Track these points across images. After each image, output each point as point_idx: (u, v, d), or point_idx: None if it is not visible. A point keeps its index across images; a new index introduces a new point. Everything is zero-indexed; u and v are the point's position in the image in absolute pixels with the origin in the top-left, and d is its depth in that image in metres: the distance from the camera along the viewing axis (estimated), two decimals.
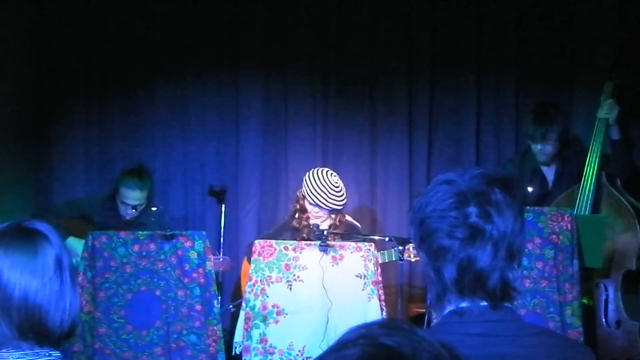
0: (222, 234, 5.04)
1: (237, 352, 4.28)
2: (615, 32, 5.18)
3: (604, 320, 4.46)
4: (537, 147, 4.91)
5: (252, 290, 4.24)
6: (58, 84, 5.90)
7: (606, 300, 4.48)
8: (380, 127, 5.99)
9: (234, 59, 5.97)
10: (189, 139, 5.99)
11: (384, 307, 4.29)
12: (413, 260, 4.72)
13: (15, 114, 5.58)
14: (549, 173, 5.00)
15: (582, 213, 4.52)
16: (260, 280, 4.24)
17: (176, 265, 4.28)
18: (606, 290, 4.48)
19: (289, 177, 5.91)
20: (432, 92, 5.96)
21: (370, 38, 5.93)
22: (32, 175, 5.89)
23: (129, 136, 5.97)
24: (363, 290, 4.26)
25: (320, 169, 5.00)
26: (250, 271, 4.30)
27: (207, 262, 4.30)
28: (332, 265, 4.28)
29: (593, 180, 4.59)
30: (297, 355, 4.20)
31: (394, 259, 4.70)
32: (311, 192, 4.87)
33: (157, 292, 4.26)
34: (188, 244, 4.30)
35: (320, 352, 4.02)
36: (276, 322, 4.21)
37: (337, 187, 4.89)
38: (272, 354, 4.20)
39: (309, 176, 4.93)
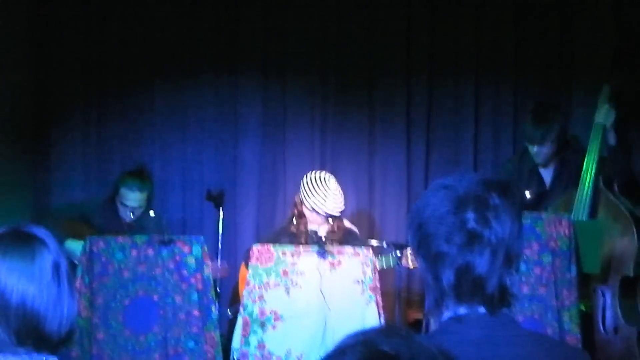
0: (220, 239, 5.03)
1: (235, 358, 4.27)
2: (612, 34, 5.20)
3: (601, 326, 4.46)
4: (534, 149, 4.91)
5: (249, 296, 4.24)
6: (56, 85, 5.90)
7: (604, 306, 4.47)
8: (378, 130, 5.99)
9: (233, 62, 5.98)
10: (187, 142, 5.99)
11: (382, 313, 4.29)
12: (411, 266, 4.72)
13: (14, 115, 5.58)
14: (547, 173, 5.00)
15: (580, 218, 4.52)
16: (258, 286, 4.24)
17: (174, 271, 4.28)
18: (604, 296, 4.48)
19: (287, 182, 5.91)
20: (430, 94, 5.97)
21: (369, 41, 5.94)
22: (30, 177, 5.88)
23: (128, 138, 5.97)
24: (361, 296, 4.26)
25: (318, 173, 4.97)
26: (248, 276, 4.29)
27: (204, 268, 4.30)
28: (330, 271, 4.28)
29: (590, 186, 4.59)
30: None
31: (392, 265, 4.70)
32: (309, 197, 4.86)
33: (155, 298, 4.26)
34: (186, 249, 4.30)
35: (318, 358, 4.03)
36: (274, 327, 4.21)
37: (335, 192, 4.89)
38: (269, 359, 4.19)
39: (306, 181, 4.91)
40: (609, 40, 5.23)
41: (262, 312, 4.21)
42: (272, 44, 5.96)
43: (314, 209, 4.86)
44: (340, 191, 4.93)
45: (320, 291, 4.22)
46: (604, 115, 4.67)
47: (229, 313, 4.95)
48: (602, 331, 4.45)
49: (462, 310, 1.70)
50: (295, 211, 5.01)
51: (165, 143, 5.98)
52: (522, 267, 3.97)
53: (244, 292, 4.32)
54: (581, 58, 5.72)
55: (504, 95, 5.94)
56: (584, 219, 4.53)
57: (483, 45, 5.92)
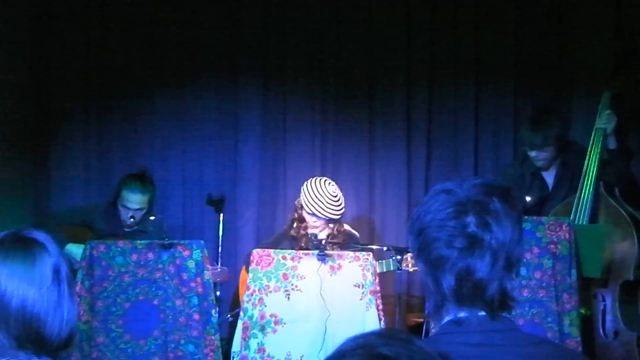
0: (220, 243, 5.03)
1: None
2: (613, 38, 5.20)
3: (601, 330, 4.45)
4: (533, 154, 4.92)
5: (250, 300, 4.23)
6: (57, 91, 5.91)
7: (604, 311, 4.47)
8: (378, 134, 6.00)
9: (233, 67, 5.98)
10: (187, 146, 5.99)
11: (382, 317, 4.29)
12: (411, 270, 4.72)
13: (15, 119, 5.58)
14: (549, 176, 5.01)
15: (581, 223, 4.52)
16: (258, 290, 4.24)
17: (174, 275, 4.28)
18: (604, 300, 4.47)
19: (288, 187, 5.91)
20: (430, 99, 5.97)
21: (369, 44, 5.94)
22: (31, 181, 5.89)
23: (128, 142, 5.98)
24: (361, 299, 4.25)
25: (318, 179, 5.00)
26: (248, 280, 4.29)
27: (205, 272, 4.30)
28: (330, 275, 4.28)
29: (591, 190, 4.59)
30: None
31: (392, 269, 4.70)
32: (308, 201, 4.87)
33: (155, 302, 4.26)
34: (186, 253, 4.30)
35: None
36: (274, 331, 4.21)
37: (335, 196, 4.89)
38: None
39: (306, 186, 4.94)
40: (609, 43, 5.23)
41: (262, 316, 4.21)
42: (272, 48, 5.96)
43: (313, 213, 4.86)
44: (341, 195, 4.93)
45: (321, 295, 4.22)
46: (605, 121, 4.68)
47: (229, 317, 4.94)
48: (602, 335, 4.45)
49: (463, 314, 1.70)
50: (296, 215, 5.02)
51: (166, 147, 5.98)
52: (523, 271, 3.97)
53: (244, 296, 4.32)
54: (581, 60, 5.73)
55: (504, 97, 5.94)
56: (585, 224, 4.53)
57: (483, 48, 5.92)
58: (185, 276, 4.28)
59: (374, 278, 4.29)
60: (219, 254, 4.99)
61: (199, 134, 5.98)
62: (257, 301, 4.22)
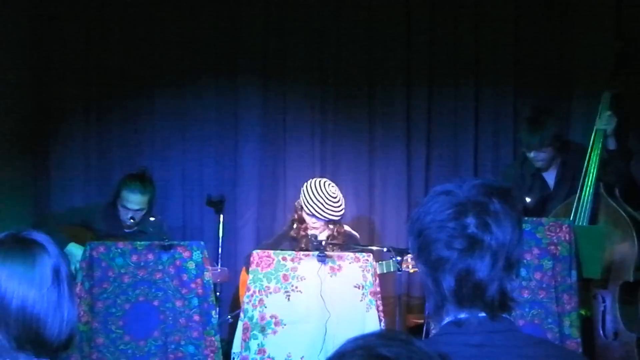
0: (220, 244, 5.03)
1: None
2: (613, 38, 5.20)
3: (601, 331, 4.46)
4: (531, 155, 4.93)
5: (250, 301, 4.23)
6: (57, 91, 5.91)
7: (604, 311, 4.47)
8: (378, 134, 5.99)
9: (233, 67, 5.98)
10: (187, 146, 5.99)
11: (382, 318, 4.29)
12: (411, 271, 4.71)
13: (14, 120, 5.58)
14: (549, 176, 5.02)
15: (580, 224, 4.52)
16: (259, 291, 4.24)
17: (174, 276, 4.28)
18: (604, 301, 4.48)
19: (287, 187, 5.91)
20: (430, 99, 5.97)
21: (368, 44, 5.94)
22: (31, 182, 5.89)
23: (128, 143, 5.98)
24: (361, 300, 4.25)
25: (318, 180, 5.00)
26: (248, 281, 4.29)
27: (205, 273, 4.30)
28: (331, 276, 4.28)
29: (591, 191, 4.60)
30: None
31: (392, 270, 4.70)
32: (308, 202, 4.88)
33: (155, 303, 4.26)
34: (186, 254, 4.30)
35: None
36: (274, 332, 4.21)
37: (334, 197, 4.89)
38: None
39: (306, 187, 4.94)
40: (609, 43, 5.24)
41: (262, 317, 4.21)
42: (272, 48, 5.96)
43: (313, 214, 4.87)
44: (340, 196, 4.94)
45: (321, 296, 4.22)
46: (605, 121, 4.68)
47: (230, 318, 4.94)
48: (602, 336, 4.45)
49: (463, 315, 1.70)
50: (296, 216, 5.02)
51: (166, 147, 5.98)
52: (523, 272, 3.98)
53: (244, 297, 4.32)
54: (581, 60, 5.72)
55: (504, 97, 5.94)
56: (585, 224, 4.53)
57: (483, 48, 5.92)
58: (185, 277, 4.28)
59: (374, 279, 4.29)
60: (219, 255, 4.99)
61: (198, 134, 5.98)
62: (257, 302, 4.22)
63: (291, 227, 5.06)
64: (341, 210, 4.91)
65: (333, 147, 6.00)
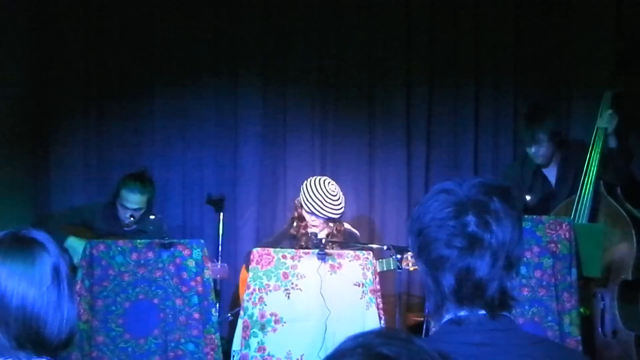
0: (220, 243, 5.04)
1: None
2: (613, 38, 5.21)
3: (600, 329, 4.46)
4: (531, 150, 4.94)
5: (250, 299, 4.23)
6: (56, 91, 5.91)
7: (603, 310, 4.47)
8: (378, 133, 5.99)
9: (233, 66, 5.98)
10: (187, 146, 5.99)
11: (382, 316, 4.29)
12: (411, 269, 4.72)
13: (14, 119, 5.58)
14: (550, 173, 5.02)
15: (580, 222, 4.52)
16: (259, 289, 4.24)
17: (174, 274, 4.28)
18: (603, 299, 4.48)
19: (287, 186, 5.91)
20: (430, 98, 5.97)
21: (368, 44, 5.94)
22: (30, 182, 5.89)
23: (128, 142, 5.98)
24: (361, 298, 4.25)
25: (318, 178, 5.00)
26: (248, 279, 4.29)
27: (205, 271, 4.30)
28: (331, 274, 4.28)
29: (591, 189, 4.60)
30: None
31: (392, 268, 4.70)
32: (308, 200, 4.87)
33: (155, 301, 4.26)
34: (186, 252, 4.30)
35: None
36: (274, 330, 4.21)
37: (334, 195, 4.89)
38: None
39: (306, 185, 4.94)
40: (609, 42, 5.24)
41: (262, 315, 4.21)
42: (272, 48, 5.96)
43: (312, 212, 4.87)
44: (340, 194, 4.93)
45: (321, 294, 4.22)
46: (606, 120, 4.68)
47: (230, 316, 4.95)
48: (601, 334, 4.45)
49: (463, 313, 1.70)
50: (296, 214, 5.02)
51: (166, 147, 5.98)
52: (523, 270, 3.98)
53: (244, 295, 4.32)
54: (581, 60, 5.72)
55: (504, 98, 5.94)
56: (585, 223, 4.53)
57: (483, 48, 5.92)
58: (185, 275, 4.28)
59: (374, 277, 4.29)
60: (219, 253, 5.00)
61: (198, 134, 5.98)
62: (257, 300, 4.22)
63: (291, 225, 5.06)
64: (341, 208, 4.91)
65: (333, 147, 6.00)
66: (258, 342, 4.19)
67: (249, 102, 5.97)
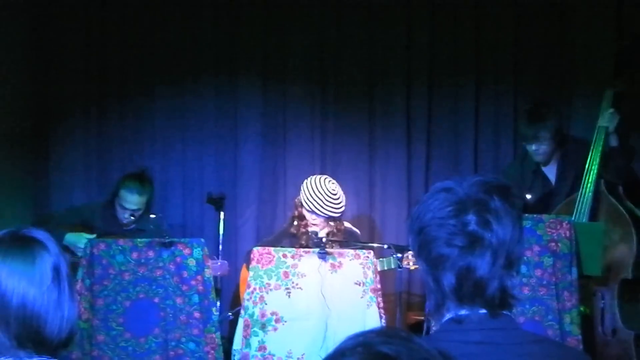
0: (220, 242, 5.04)
1: None
2: (613, 35, 5.20)
3: (600, 328, 4.46)
4: (531, 148, 4.93)
5: (250, 298, 4.23)
6: (56, 90, 5.91)
7: (603, 309, 4.47)
8: (378, 132, 5.99)
9: (233, 65, 5.98)
10: (187, 146, 5.99)
11: (382, 315, 4.29)
12: (412, 268, 4.72)
13: (14, 119, 5.58)
14: (550, 171, 5.02)
15: (581, 220, 4.52)
16: (259, 288, 4.24)
17: (175, 273, 4.28)
18: (603, 298, 4.48)
19: (288, 185, 5.91)
20: (430, 98, 5.97)
21: (369, 43, 5.94)
22: (30, 182, 5.88)
23: (128, 141, 5.98)
24: (362, 297, 4.25)
25: (318, 176, 5.00)
26: (248, 279, 4.29)
27: (205, 270, 4.30)
28: (331, 273, 4.28)
29: (591, 188, 4.60)
30: None
31: (392, 267, 4.70)
32: (308, 199, 4.87)
33: (156, 300, 4.26)
34: (186, 251, 4.30)
35: (319, 359, 4.03)
36: (275, 329, 4.21)
37: (334, 194, 4.89)
38: None
39: (306, 183, 4.94)
40: (609, 41, 5.23)
41: (262, 314, 4.21)
42: (272, 47, 5.96)
43: (312, 210, 4.87)
44: (341, 193, 4.93)
45: (321, 293, 4.22)
46: (607, 119, 4.68)
47: (230, 315, 4.95)
48: (601, 333, 4.45)
49: (463, 312, 1.70)
50: (296, 213, 5.02)
51: (166, 146, 5.98)
52: (523, 269, 3.97)
53: (244, 294, 4.32)
54: (581, 59, 5.72)
55: (504, 96, 5.94)
56: (585, 221, 4.53)
57: (483, 47, 5.92)
58: (185, 274, 4.28)
59: (374, 276, 4.29)
60: (220, 252, 5.00)
61: (199, 133, 5.98)
62: (257, 299, 4.22)
63: (291, 224, 5.06)
64: (341, 207, 4.91)
65: (333, 146, 6.00)
66: (259, 341, 4.19)
67: (249, 101, 5.97)
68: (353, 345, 1.13)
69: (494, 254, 1.66)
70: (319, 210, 4.85)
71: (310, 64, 5.96)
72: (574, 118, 5.72)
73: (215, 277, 4.49)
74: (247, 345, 4.19)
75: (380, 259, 4.74)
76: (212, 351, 4.27)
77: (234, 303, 5.29)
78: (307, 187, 4.91)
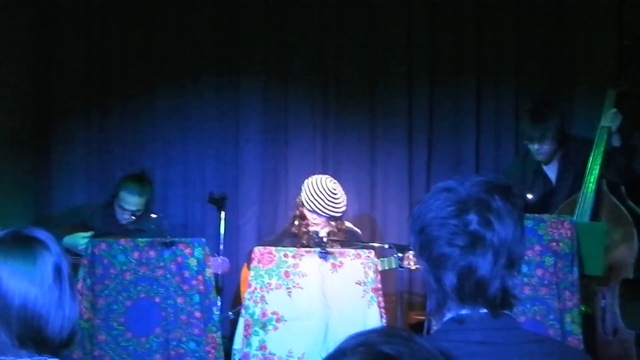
0: (222, 241, 5.04)
1: (237, 359, 4.27)
2: (613, 35, 5.20)
3: (601, 328, 4.46)
4: (534, 147, 4.93)
5: (251, 297, 4.23)
6: (57, 90, 5.91)
7: (604, 308, 4.47)
8: (379, 132, 5.99)
9: (234, 65, 5.99)
10: (189, 145, 6.00)
11: (383, 315, 4.28)
12: (413, 267, 4.71)
13: (15, 119, 5.59)
14: (551, 171, 5.02)
15: (582, 220, 4.52)
16: (260, 287, 4.24)
17: (176, 273, 4.28)
18: (604, 298, 4.48)
19: (289, 185, 5.91)
20: (431, 97, 5.97)
21: (370, 43, 5.94)
22: (31, 182, 5.89)
23: (129, 141, 5.99)
24: (363, 297, 4.25)
25: (319, 176, 5.00)
26: (249, 278, 4.29)
27: (206, 269, 4.30)
28: (332, 272, 4.27)
29: (593, 188, 4.59)
30: None
31: (393, 267, 4.70)
32: (309, 198, 4.87)
33: (157, 299, 4.26)
34: (188, 251, 4.30)
35: (320, 359, 4.03)
36: (275, 329, 4.21)
37: (335, 193, 4.89)
38: None
39: (307, 183, 4.94)
40: (610, 40, 5.23)
41: (263, 314, 4.21)
42: (273, 47, 5.96)
43: (314, 210, 4.87)
44: (342, 193, 4.93)
45: (322, 292, 4.22)
46: (610, 119, 4.68)
47: (231, 314, 4.95)
48: (602, 333, 4.45)
49: (464, 311, 1.70)
50: (297, 213, 5.02)
51: (167, 146, 5.99)
52: (524, 268, 3.97)
53: (245, 294, 4.32)
54: (582, 58, 5.72)
55: (505, 97, 5.94)
56: (586, 221, 4.53)
57: (484, 47, 5.92)
58: (186, 274, 4.28)
59: (375, 276, 4.29)
60: (221, 252, 5.00)
61: (200, 133, 5.99)
62: (258, 299, 4.22)
63: (292, 224, 5.06)
64: (342, 206, 4.91)
65: (334, 146, 6.00)
66: (259, 341, 4.19)
67: (250, 101, 5.98)
68: (354, 344, 1.13)
69: (495, 253, 1.66)
70: (320, 209, 4.85)
71: (311, 64, 5.97)
72: (574, 117, 5.73)
73: (216, 275, 4.49)
74: (248, 344, 4.19)
75: (381, 258, 4.73)
76: (213, 351, 4.27)
77: (235, 302, 5.30)
78: (308, 187, 4.91)
